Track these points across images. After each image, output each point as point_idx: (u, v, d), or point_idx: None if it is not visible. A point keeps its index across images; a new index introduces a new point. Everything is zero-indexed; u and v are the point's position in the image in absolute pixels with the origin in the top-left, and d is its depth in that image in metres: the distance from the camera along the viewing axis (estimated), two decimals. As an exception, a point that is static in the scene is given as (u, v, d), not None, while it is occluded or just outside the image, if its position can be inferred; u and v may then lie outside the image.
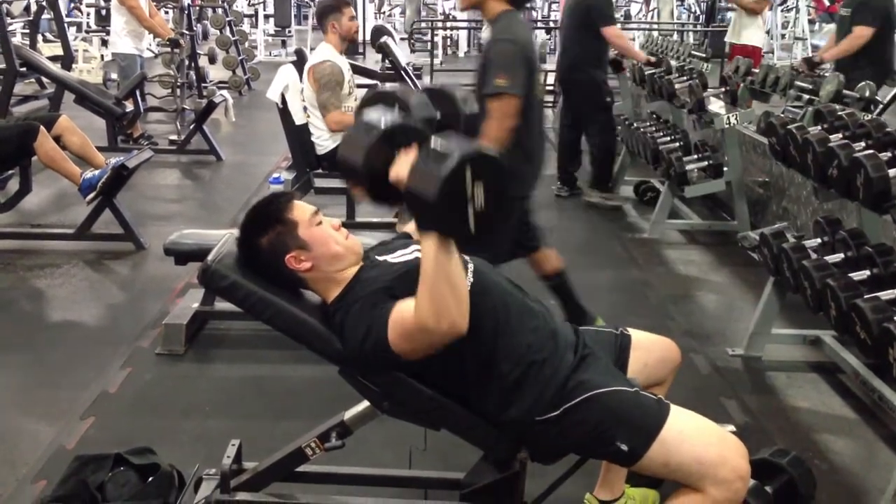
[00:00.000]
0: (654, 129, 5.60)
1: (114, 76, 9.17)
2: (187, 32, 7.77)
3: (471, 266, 1.93)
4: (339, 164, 1.77)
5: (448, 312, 1.67)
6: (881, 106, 5.37)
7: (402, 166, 1.67)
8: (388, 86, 1.93)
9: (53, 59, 7.44)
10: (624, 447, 1.82)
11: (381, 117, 1.72)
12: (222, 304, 3.55)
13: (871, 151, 2.83)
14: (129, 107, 7.05)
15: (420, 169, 1.59)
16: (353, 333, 1.83)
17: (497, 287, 1.93)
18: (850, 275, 2.81)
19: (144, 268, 4.44)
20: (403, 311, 1.75)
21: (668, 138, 5.32)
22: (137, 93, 7.49)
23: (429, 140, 1.66)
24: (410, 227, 2.25)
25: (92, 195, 4.42)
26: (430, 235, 1.65)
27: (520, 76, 2.99)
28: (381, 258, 1.97)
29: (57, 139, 4.57)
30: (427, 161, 1.59)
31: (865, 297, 2.62)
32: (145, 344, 3.49)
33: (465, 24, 14.87)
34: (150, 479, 2.25)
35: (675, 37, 11.96)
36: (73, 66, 7.87)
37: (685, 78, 5.35)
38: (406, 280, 1.80)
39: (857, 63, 5.77)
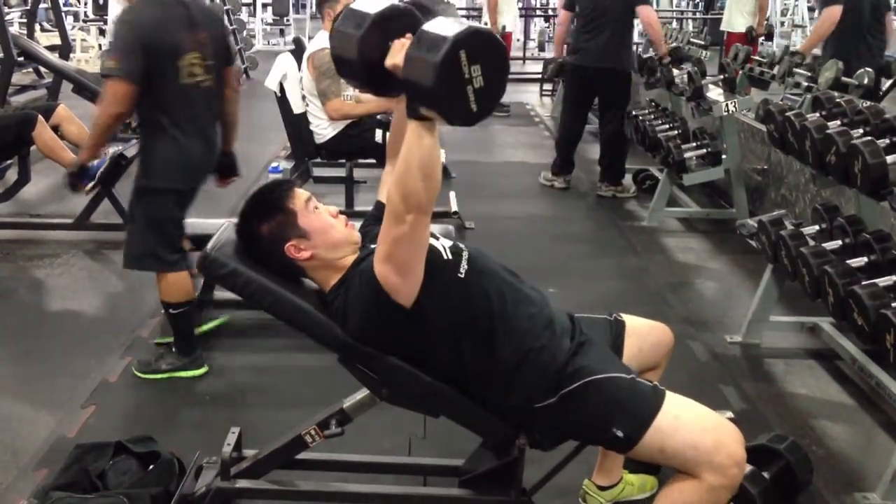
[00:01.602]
0: (652, 116, 5.60)
1: (112, 65, 9.12)
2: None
3: (465, 254, 1.93)
4: (333, 58, 1.73)
5: (416, 196, 1.65)
6: (880, 93, 5.38)
7: (398, 54, 1.63)
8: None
9: (51, 48, 7.40)
10: (620, 433, 1.83)
11: (369, 6, 1.67)
12: (222, 293, 3.56)
13: (868, 138, 2.83)
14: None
15: (415, 57, 1.56)
16: (352, 303, 1.84)
17: (493, 275, 1.94)
18: (848, 261, 2.82)
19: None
20: (379, 236, 1.75)
21: (667, 126, 5.32)
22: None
23: (421, 24, 1.63)
24: (384, 192, 2.20)
25: (90, 184, 4.41)
26: (421, 124, 1.62)
27: (125, 61, 2.81)
28: (373, 246, 1.97)
29: (55, 129, 4.56)
30: (421, 48, 1.56)
31: (863, 283, 2.63)
32: (145, 333, 3.50)
33: (464, 13, 14.82)
34: (151, 466, 2.26)
35: (675, 24, 11.93)
36: (71, 55, 7.83)
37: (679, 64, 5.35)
38: None
39: (856, 49, 5.75)
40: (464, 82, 1.55)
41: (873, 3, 5.72)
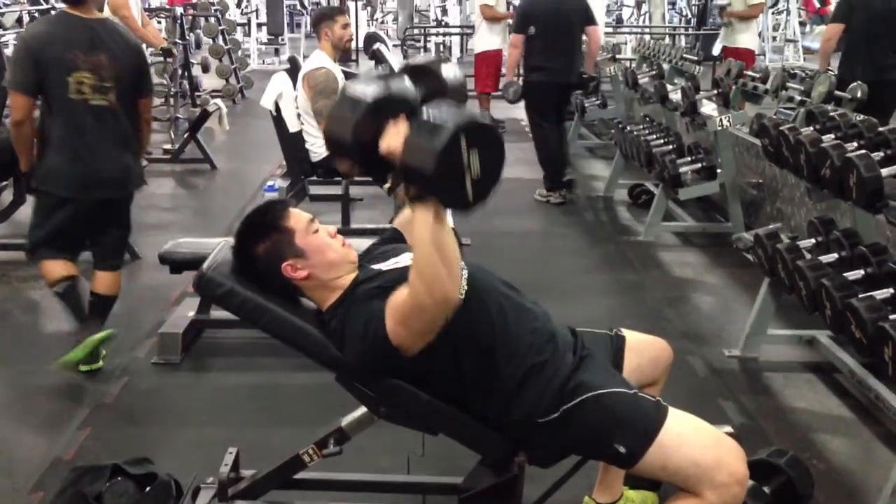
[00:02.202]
0: (647, 131, 5.62)
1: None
2: (180, 41, 7.78)
3: (465, 272, 1.93)
4: (327, 139, 1.74)
5: (441, 283, 1.67)
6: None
7: (393, 138, 1.65)
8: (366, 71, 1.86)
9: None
10: (622, 449, 1.82)
11: (366, 90, 1.68)
12: (218, 313, 3.55)
13: (863, 151, 2.84)
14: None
15: (415, 142, 1.58)
16: (352, 335, 1.83)
17: (494, 291, 1.93)
18: (845, 274, 2.82)
19: (139, 277, 4.43)
20: (398, 296, 1.76)
21: (662, 141, 5.34)
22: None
23: (419, 110, 1.64)
24: (399, 220, 2.22)
25: None
26: (424, 206, 1.64)
27: (20, 73, 3.09)
28: (375, 267, 1.97)
29: None
30: (421, 133, 1.58)
31: (860, 296, 2.63)
32: (141, 353, 3.48)
33: (457, 30, 14.90)
34: (148, 488, 2.24)
35: (667, 40, 12.00)
36: None
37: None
38: (401, 282, 1.80)
39: (847, 63, 5.80)
40: (462, 170, 1.57)
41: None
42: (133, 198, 3.45)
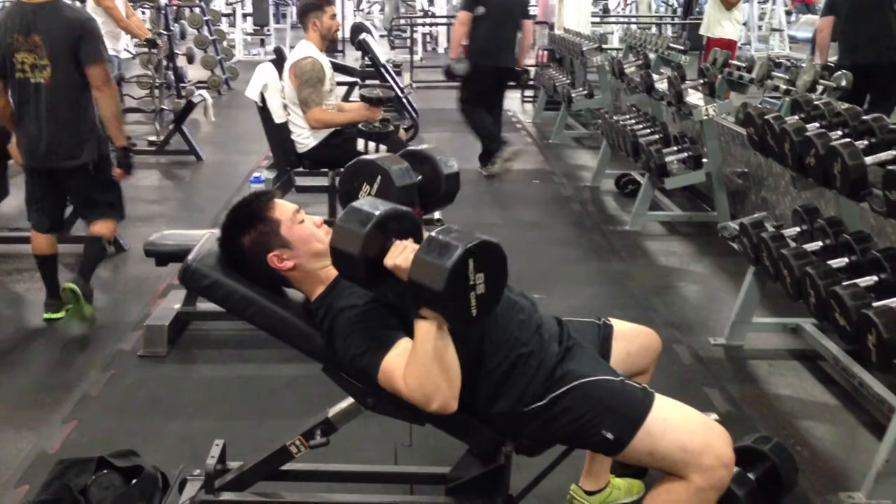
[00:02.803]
0: (633, 121, 5.63)
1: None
2: (165, 32, 7.71)
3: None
4: (333, 254, 1.76)
5: (439, 394, 1.71)
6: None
7: (399, 255, 1.69)
8: (367, 157, 1.89)
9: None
10: (610, 436, 1.83)
11: (373, 207, 1.74)
12: (204, 305, 3.54)
13: (847, 140, 2.85)
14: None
15: (424, 261, 1.63)
16: (344, 344, 1.83)
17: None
18: (829, 262, 2.84)
19: (125, 270, 4.42)
20: (395, 368, 1.76)
21: (648, 130, 5.35)
22: (115, 94, 7.40)
23: (423, 232, 1.72)
24: None
25: None
26: (427, 322, 1.68)
27: None
28: None
29: None
30: (431, 251, 1.63)
31: (844, 283, 2.65)
32: (127, 346, 3.47)
33: (444, 21, 14.85)
34: (134, 481, 2.24)
35: (654, 30, 12.01)
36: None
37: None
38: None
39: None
40: (468, 288, 1.62)
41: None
42: (91, 169, 3.65)
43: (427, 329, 1.68)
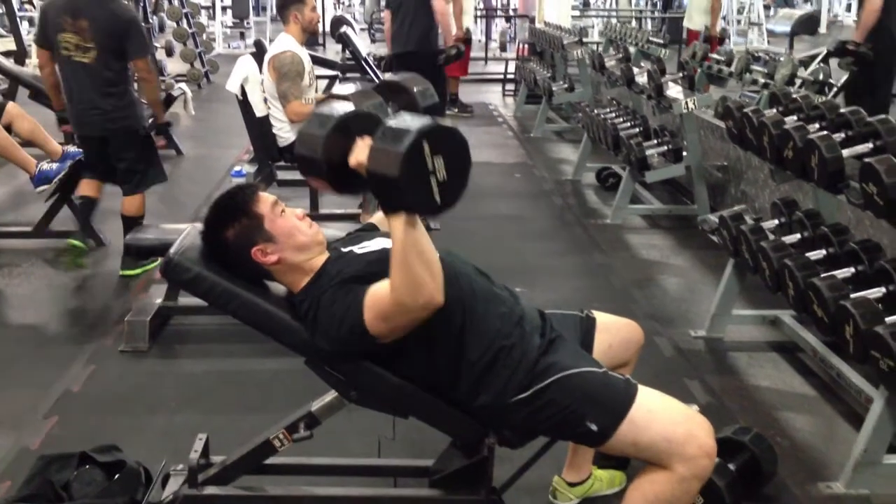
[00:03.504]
0: (614, 115, 5.65)
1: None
2: (143, 24, 7.64)
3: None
4: (297, 159, 1.77)
5: (425, 287, 1.69)
6: (835, 88, 5.48)
7: (361, 152, 1.68)
8: (343, 92, 1.90)
9: (6, 54, 7.28)
10: (594, 427, 1.84)
11: (334, 109, 1.72)
12: (186, 299, 3.52)
13: (825, 133, 2.88)
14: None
15: (379, 149, 1.60)
16: (327, 321, 1.83)
17: (464, 276, 1.94)
18: (807, 254, 2.87)
19: (105, 264, 4.39)
20: (378, 291, 1.77)
21: (629, 124, 5.37)
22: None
23: (384, 122, 1.67)
24: (376, 217, 2.25)
25: (45, 187, 4.33)
26: (397, 215, 1.67)
27: (40, 33, 4.13)
28: (346, 249, 1.97)
29: (8, 128, 4.47)
30: (385, 140, 1.60)
31: (822, 275, 2.68)
32: (108, 341, 3.45)
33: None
34: (117, 476, 2.23)
35: (634, 23, 12.05)
36: (27, 61, 7.71)
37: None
38: (376, 267, 1.82)
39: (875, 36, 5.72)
40: (427, 174, 1.59)
41: None
42: (128, 138, 4.22)
43: (399, 227, 1.67)
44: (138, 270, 4.15)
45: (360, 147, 1.70)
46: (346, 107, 1.73)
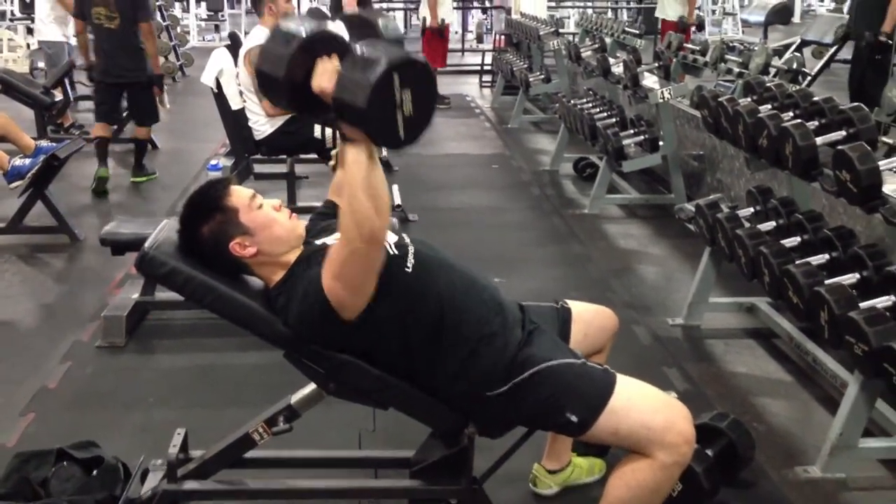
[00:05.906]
0: (590, 105, 5.67)
1: (41, 65, 8.88)
2: (116, 18, 7.57)
3: (411, 248, 1.93)
4: (258, 76, 1.70)
5: (370, 221, 1.66)
6: (809, 77, 5.52)
7: (324, 76, 1.63)
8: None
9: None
10: (574, 418, 1.85)
11: (299, 27, 1.66)
12: (163, 294, 3.50)
13: (798, 121, 2.90)
14: (59, 96, 6.84)
15: (347, 77, 1.57)
16: (293, 300, 1.83)
17: (441, 265, 1.94)
18: (782, 242, 2.89)
19: (81, 260, 4.35)
20: (331, 249, 1.77)
21: (605, 114, 5.39)
22: (66, 81, 7.28)
23: (353, 48, 1.63)
24: (333, 185, 2.20)
25: (19, 183, 4.29)
26: (356, 146, 1.64)
27: (77, 6, 5.64)
28: (319, 242, 1.96)
29: None
30: (354, 69, 1.56)
31: (797, 262, 2.70)
32: (85, 337, 3.42)
33: (401, 5, 14.78)
34: (95, 472, 2.22)
35: (609, 14, 12.07)
36: (-2, 55, 7.63)
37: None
38: None
39: None
40: (394, 106, 1.56)
41: None
42: (144, 85, 5.69)
43: (355, 154, 1.65)
44: (143, 178, 5.83)
45: (322, 70, 1.64)
46: (311, 25, 1.66)
